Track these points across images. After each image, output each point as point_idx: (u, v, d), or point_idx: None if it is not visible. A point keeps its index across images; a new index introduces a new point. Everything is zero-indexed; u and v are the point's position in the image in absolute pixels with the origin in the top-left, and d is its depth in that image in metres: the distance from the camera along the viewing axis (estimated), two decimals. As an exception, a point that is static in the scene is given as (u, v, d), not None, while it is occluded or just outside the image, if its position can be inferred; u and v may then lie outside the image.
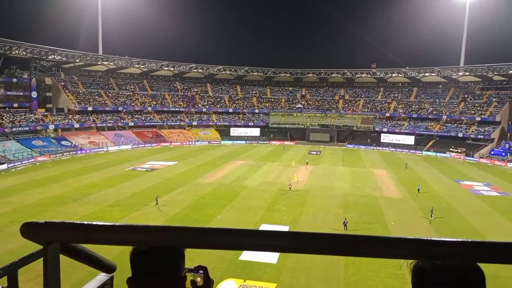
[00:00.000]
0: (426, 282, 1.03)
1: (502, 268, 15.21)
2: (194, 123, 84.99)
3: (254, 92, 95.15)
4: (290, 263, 21.00)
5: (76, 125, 69.09)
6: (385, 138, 79.60)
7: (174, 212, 31.11)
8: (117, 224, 1.13)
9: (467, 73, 78.85)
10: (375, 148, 76.97)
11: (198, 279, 1.27)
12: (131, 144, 70.36)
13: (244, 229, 1.10)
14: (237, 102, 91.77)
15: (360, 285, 19.09)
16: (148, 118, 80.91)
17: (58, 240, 1.18)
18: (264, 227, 27.30)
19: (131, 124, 77.17)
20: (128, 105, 79.62)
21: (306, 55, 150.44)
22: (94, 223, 1.13)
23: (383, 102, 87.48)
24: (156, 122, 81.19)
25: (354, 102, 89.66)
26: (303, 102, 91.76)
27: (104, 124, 73.66)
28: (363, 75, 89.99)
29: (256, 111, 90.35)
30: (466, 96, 79.83)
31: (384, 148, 76.15)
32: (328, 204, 34.16)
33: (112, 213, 30.48)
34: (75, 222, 1.14)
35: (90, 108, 73.47)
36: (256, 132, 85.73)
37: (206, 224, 27.93)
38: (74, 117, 70.39)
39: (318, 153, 69.68)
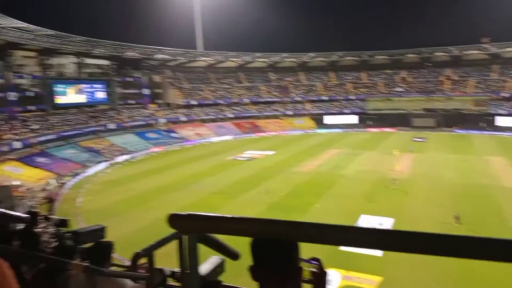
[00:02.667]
0: None
1: None
2: (289, 112, 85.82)
3: (348, 77, 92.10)
4: (395, 256, 20.17)
5: (183, 118, 75.22)
6: (502, 121, 70.51)
7: (272, 200, 32.12)
8: (244, 217, 1.24)
9: None
10: (489, 133, 68.74)
11: (313, 270, 1.34)
12: (231, 134, 74.19)
13: (358, 227, 1.09)
14: (331, 89, 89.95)
15: (474, 283, 17.62)
16: (245, 109, 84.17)
17: (197, 229, 1.37)
18: (364, 217, 26.75)
19: (231, 115, 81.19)
20: (227, 97, 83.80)
21: (404, 34, 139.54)
22: (227, 216, 1.25)
23: (499, 80, 77.31)
24: (253, 113, 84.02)
25: (462, 82, 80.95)
26: (404, 85, 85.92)
27: (206, 117, 78.85)
28: (473, 51, 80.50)
29: (352, 97, 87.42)
30: None
31: (501, 133, 67.53)
32: (435, 195, 31.82)
33: (215, 200, 32.74)
34: (211, 214, 1.28)
35: (193, 102, 79.28)
36: (352, 119, 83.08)
37: (304, 212, 28.36)
38: (180, 111, 76.70)
39: (423, 139, 64.91)
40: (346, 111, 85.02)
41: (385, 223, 25.56)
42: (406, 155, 50.14)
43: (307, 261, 1.35)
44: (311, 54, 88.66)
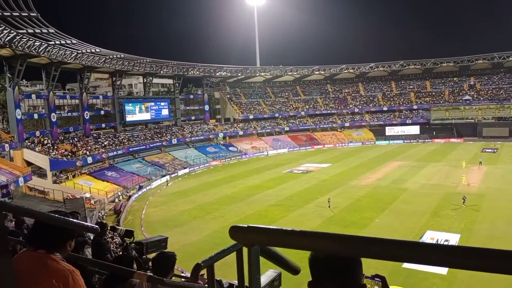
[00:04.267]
0: None
1: None
2: (347, 124, 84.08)
3: (411, 87, 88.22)
4: (462, 275, 18.93)
5: (240, 133, 76.87)
6: None
7: (330, 214, 31.58)
8: (305, 231, 1.15)
9: None
10: None
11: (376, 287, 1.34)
12: (287, 147, 74.30)
13: (423, 243, 0.98)
14: (392, 99, 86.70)
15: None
16: (302, 122, 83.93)
17: (258, 242, 1.30)
18: (429, 234, 25.41)
19: (287, 129, 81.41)
20: (283, 111, 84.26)
21: (473, 39, 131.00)
22: (289, 229, 1.19)
23: None
24: (309, 125, 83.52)
25: (542, 87, 73.85)
26: (472, 93, 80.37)
27: (263, 130, 79.86)
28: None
29: (415, 107, 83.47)
30: None
31: None
32: (509, 212, 29.20)
33: (274, 212, 32.92)
34: (272, 227, 1.23)
35: (251, 117, 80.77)
36: (415, 130, 79.27)
37: (363, 227, 27.52)
38: (238, 125, 78.56)
39: (494, 151, 60.07)
40: (408, 121, 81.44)
41: (452, 239, 24.11)
42: (476, 168, 46.70)
43: (371, 278, 1.37)
44: (371, 64, 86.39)
